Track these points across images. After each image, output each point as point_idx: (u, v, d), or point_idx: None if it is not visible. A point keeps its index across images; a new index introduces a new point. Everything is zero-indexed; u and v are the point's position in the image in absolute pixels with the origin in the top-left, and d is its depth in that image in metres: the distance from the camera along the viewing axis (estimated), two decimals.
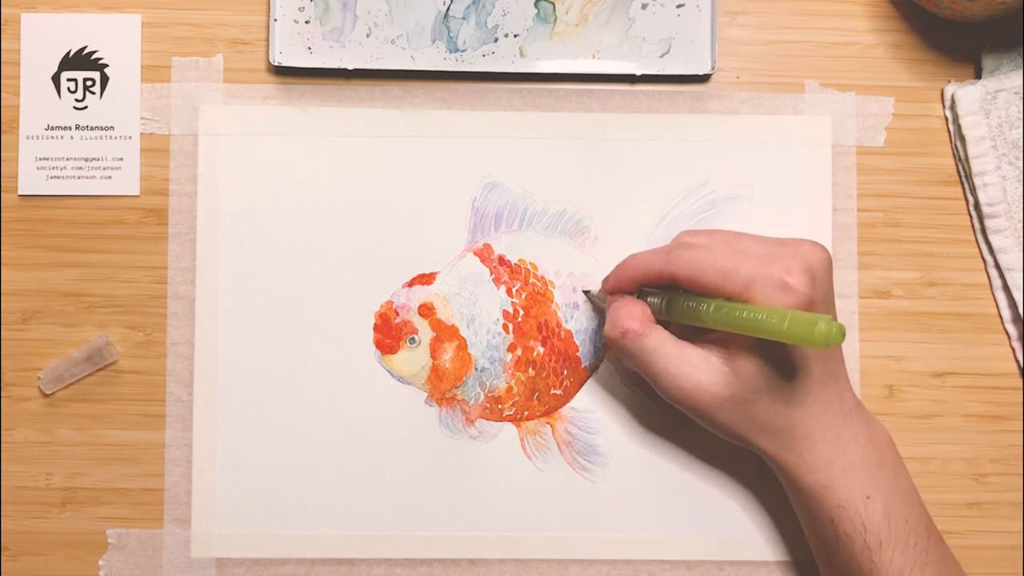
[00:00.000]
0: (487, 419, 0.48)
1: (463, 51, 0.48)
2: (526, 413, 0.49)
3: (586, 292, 0.49)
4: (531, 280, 0.49)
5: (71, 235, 0.49)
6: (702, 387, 0.42)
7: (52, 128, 0.49)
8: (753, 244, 0.42)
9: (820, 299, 0.41)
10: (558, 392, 0.49)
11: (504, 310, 0.48)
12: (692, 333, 0.44)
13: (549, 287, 0.49)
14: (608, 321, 0.44)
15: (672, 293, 0.43)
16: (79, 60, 0.49)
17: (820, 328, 0.36)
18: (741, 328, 0.39)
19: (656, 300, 0.44)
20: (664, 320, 0.44)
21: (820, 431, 0.43)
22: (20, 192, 0.49)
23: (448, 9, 0.48)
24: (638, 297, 0.45)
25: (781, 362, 0.41)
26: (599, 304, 0.48)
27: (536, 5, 0.49)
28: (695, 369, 0.42)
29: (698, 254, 0.42)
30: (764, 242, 0.42)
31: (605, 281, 0.46)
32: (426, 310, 0.48)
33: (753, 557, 0.48)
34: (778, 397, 0.42)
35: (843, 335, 0.37)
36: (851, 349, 0.49)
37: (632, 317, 0.43)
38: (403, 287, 0.48)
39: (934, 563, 0.42)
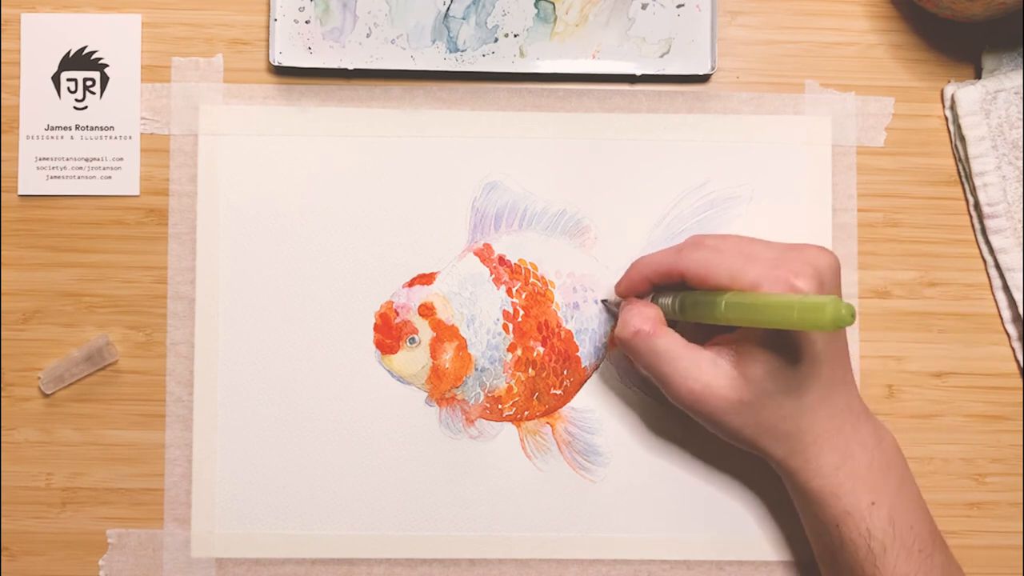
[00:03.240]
0: (487, 419, 0.48)
1: (463, 51, 0.48)
2: (526, 413, 0.49)
3: (603, 302, 0.49)
4: (531, 280, 0.49)
5: (71, 235, 0.49)
6: (711, 390, 0.42)
7: (52, 128, 0.49)
8: (763, 248, 0.42)
9: (833, 281, 0.42)
10: (558, 392, 0.49)
11: (504, 310, 0.48)
12: (702, 337, 0.44)
13: (549, 287, 0.49)
14: (620, 322, 0.44)
15: (684, 292, 0.43)
16: (79, 60, 0.49)
17: (829, 309, 0.36)
18: (753, 319, 0.39)
19: (668, 301, 0.44)
20: (676, 322, 0.44)
21: (828, 436, 0.43)
22: (20, 192, 0.49)
23: (448, 9, 0.48)
24: (651, 300, 0.45)
25: (791, 367, 0.41)
26: (614, 311, 0.48)
27: (536, 5, 0.49)
28: (704, 372, 0.42)
29: (708, 254, 0.42)
30: (773, 246, 0.43)
31: (617, 285, 0.46)
32: (426, 310, 0.48)
33: (753, 557, 0.48)
34: (786, 402, 0.42)
35: (853, 315, 0.36)
36: (851, 349, 0.49)
37: (644, 318, 0.43)
38: (403, 287, 0.48)
39: (938, 569, 0.42)
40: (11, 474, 0.48)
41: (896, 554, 0.42)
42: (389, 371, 0.48)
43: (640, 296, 0.45)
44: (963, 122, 0.48)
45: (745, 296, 0.40)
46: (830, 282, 0.42)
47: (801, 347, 0.41)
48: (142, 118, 0.49)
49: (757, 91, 0.49)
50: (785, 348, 0.41)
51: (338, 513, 0.48)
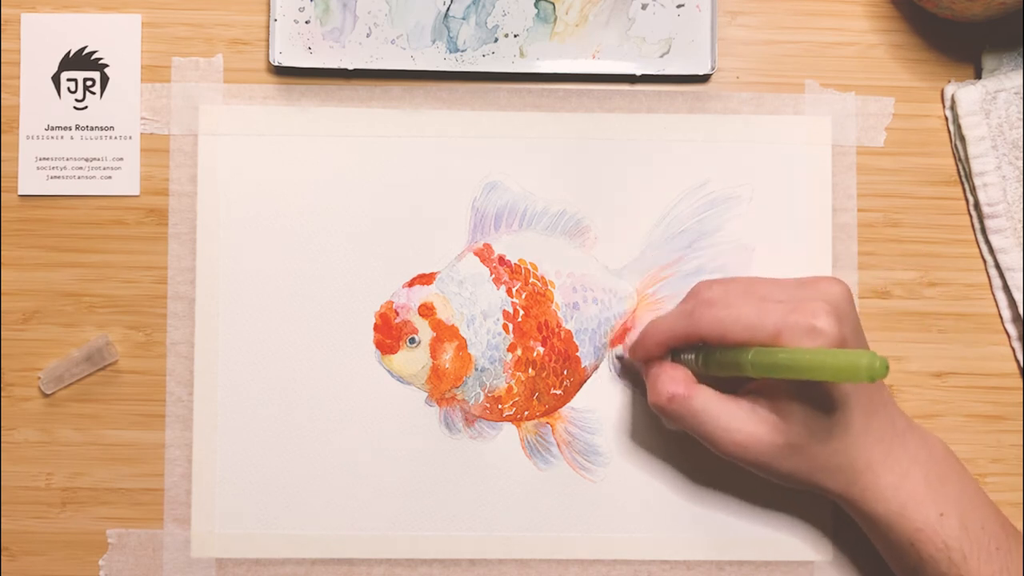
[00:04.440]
0: (487, 419, 0.48)
1: (463, 51, 0.48)
2: (526, 413, 0.49)
3: (619, 358, 0.49)
4: (531, 280, 0.49)
5: (71, 235, 0.49)
6: (756, 438, 0.42)
7: (52, 128, 0.49)
8: (772, 290, 0.42)
9: (850, 335, 0.41)
10: (558, 392, 0.49)
11: (504, 310, 0.48)
12: (730, 387, 0.44)
13: (549, 287, 0.49)
14: (650, 389, 0.44)
15: (706, 348, 0.43)
16: (79, 60, 0.49)
17: (863, 364, 0.36)
18: (784, 372, 0.39)
19: (691, 357, 0.44)
20: (701, 375, 0.44)
21: (880, 460, 0.42)
22: (20, 192, 0.49)
23: (448, 9, 0.48)
24: (672, 358, 0.45)
25: (827, 401, 0.41)
26: (635, 367, 0.48)
27: (536, 5, 0.49)
28: (746, 422, 0.42)
29: (720, 312, 0.42)
30: (782, 286, 0.42)
31: (632, 349, 0.46)
32: (426, 310, 0.48)
33: (753, 557, 0.48)
34: (832, 436, 0.42)
35: (887, 368, 0.36)
36: None
37: (675, 381, 0.43)
38: (403, 287, 0.48)
39: (1015, 562, 0.42)
40: (11, 474, 0.48)
41: (977, 558, 0.41)
42: (389, 371, 0.48)
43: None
44: (963, 122, 0.48)
45: (770, 354, 0.40)
46: (847, 312, 0.42)
47: (836, 385, 0.41)
48: (142, 118, 0.49)
49: (757, 91, 0.49)
50: (817, 384, 0.41)
51: (338, 513, 0.48)
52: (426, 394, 0.48)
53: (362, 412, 0.48)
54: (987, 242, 0.49)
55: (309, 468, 0.48)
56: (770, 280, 0.43)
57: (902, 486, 0.42)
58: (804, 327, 0.40)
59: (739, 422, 0.42)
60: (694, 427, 0.43)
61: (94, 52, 0.49)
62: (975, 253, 0.49)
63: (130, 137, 0.49)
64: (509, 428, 0.48)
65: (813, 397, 0.41)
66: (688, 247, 0.49)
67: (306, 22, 0.48)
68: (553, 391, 0.49)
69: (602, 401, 0.49)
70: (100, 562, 0.48)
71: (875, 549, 0.47)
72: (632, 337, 0.49)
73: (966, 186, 0.49)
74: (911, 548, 0.42)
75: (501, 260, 0.49)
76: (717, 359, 0.42)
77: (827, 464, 0.42)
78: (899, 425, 0.43)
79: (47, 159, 0.48)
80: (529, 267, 0.49)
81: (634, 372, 0.48)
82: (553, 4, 0.49)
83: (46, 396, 0.48)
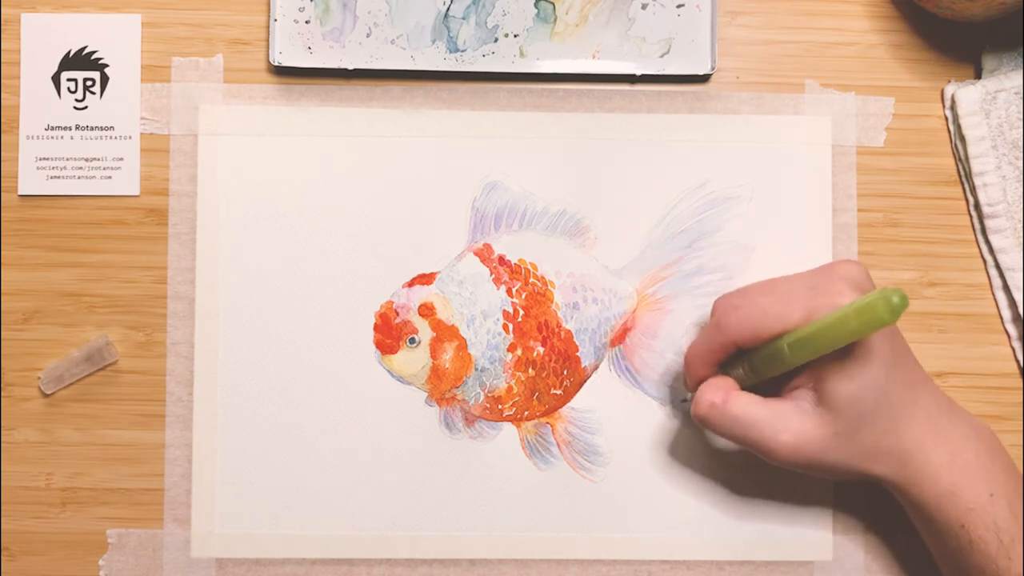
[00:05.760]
0: (487, 419, 0.48)
1: (463, 51, 0.48)
2: (526, 413, 0.49)
3: (683, 401, 0.48)
4: (531, 280, 0.49)
5: (71, 235, 0.49)
6: (803, 435, 0.42)
7: (52, 128, 0.49)
8: (792, 283, 0.42)
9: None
10: (558, 392, 0.49)
11: (504, 310, 0.48)
12: (777, 394, 0.44)
13: (549, 287, 0.49)
14: (693, 404, 0.44)
15: (748, 355, 0.43)
16: (79, 60, 0.49)
17: (880, 302, 0.36)
18: (818, 347, 0.40)
19: (739, 371, 0.44)
20: (753, 385, 0.44)
21: (930, 438, 0.42)
22: (20, 192, 0.49)
23: (448, 9, 0.48)
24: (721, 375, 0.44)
25: (869, 385, 0.41)
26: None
27: (536, 5, 0.49)
28: (791, 420, 0.42)
29: (746, 312, 0.42)
30: (800, 277, 0.43)
31: (687, 383, 0.46)
32: (426, 310, 0.48)
33: (753, 557, 0.48)
34: (879, 418, 0.41)
35: (904, 297, 0.36)
36: None
37: (714, 389, 0.43)
38: (403, 287, 0.48)
39: None
40: (11, 474, 0.48)
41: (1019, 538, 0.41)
42: (389, 371, 0.48)
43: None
44: (963, 122, 0.48)
45: (802, 331, 0.40)
46: (869, 286, 0.42)
47: (871, 359, 0.41)
48: (142, 118, 0.49)
49: (757, 91, 0.49)
50: (857, 366, 0.41)
51: (338, 513, 0.48)
52: (426, 394, 0.48)
53: (362, 412, 0.48)
54: (987, 242, 0.49)
55: (309, 468, 0.48)
56: (786, 276, 0.43)
57: (953, 464, 0.42)
58: (831, 307, 0.40)
59: (784, 421, 0.42)
60: (738, 435, 0.42)
61: (94, 52, 0.49)
62: (975, 253, 0.49)
63: (130, 137, 0.49)
64: (509, 428, 0.48)
65: (854, 382, 0.41)
66: (688, 247, 0.49)
67: (306, 22, 0.48)
68: (553, 391, 0.49)
69: (602, 401, 0.49)
70: (100, 562, 0.48)
71: (875, 549, 0.47)
72: (632, 337, 0.49)
73: (966, 186, 0.49)
74: (961, 531, 0.42)
75: (501, 260, 0.49)
76: (759, 361, 0.42)
77: (878, 448, 0.42)
78: (943, 403, 0.43)
79: (47, 159, 0.48)
80: (529, 267, 0.49)
81: (634, 371, 0.48)
82: (553, 4, 0.49)
83: (46, 396, 0.48)
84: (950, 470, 0.42)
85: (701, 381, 0.44)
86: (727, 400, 0.42)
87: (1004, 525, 0.41)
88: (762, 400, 0.42)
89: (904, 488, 0.43)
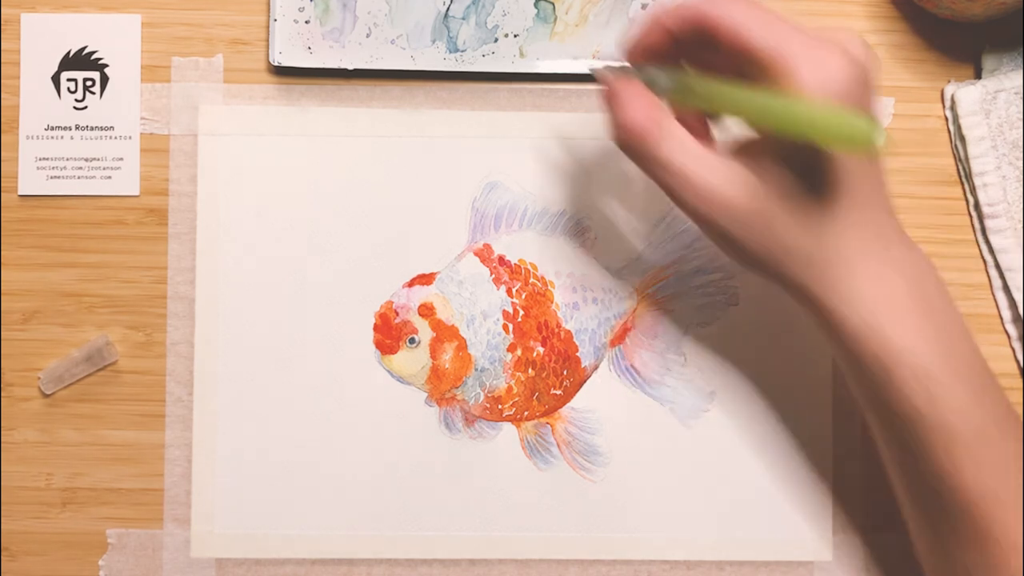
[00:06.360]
0: (487, 419, 0.48)
1: (463, 51, 0.48)
2: (526, 413, 0.49)
3: (593, 70, 0.41)
4: (531, 280, 0.49)
5: (71, 235, 0.49)
6: (728, 200, 0.37)
7: (52, 128, 0.49)
8: (798, 26, 0.37)
9: (873, 73, 0.37)
10: (558, 392, 0.49)
11: (504, 310, 0.48)
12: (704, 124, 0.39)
13: (549, 287, 0.49)
14: (614, 118, 0.38)
15: (682, 74, 0.38)
16: (79, 60, 0.49)
17: (861, 125, 0.32)
18: (780, 120, 0.35)
19: (665, 79, 0.38)
20: (671, 104, 0.39)
21: (858, 258, 0.37)
22: (20, 192, 0.49)
23: (448, 9, 0.48)
24: (643, 79, 0.39)
25: (817, 173, 0.37)
26: (609, 78, 0.40)
27: (536, 5, 0.49)
28: (721, 181, 0.37)
29: (747, 9, 0.36)
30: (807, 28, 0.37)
31: (625, 42, 0.40)
32: (426, 310, 0.48)
33: (753, 557, 0.48)
34: (807, 214, 0.37)
35: (881, 133, 0.32)
36: None
37: (645, 113, 0.37)
38: (403, 287, 0.48)
39: (1002, 406, 0.38)
40: (11, 474, 0.48)
41: (963, 396, 0.36)
42: (389, 371, 0.48)
43: (644, 62, 0.39)
44: (963, 122, 0.48)
45: (772, 97, 0.35)
46: (871, 84, 0.37)
47: (831, 157, 0.36)
48: (142, 118, 0.49)
49: None
50: (809, 156, 0.36)
51: (338, 513, 0.48)
52: (426, 394, 0.48)
53: (362, 412, 0.48)
54: (987, 242, 0.49)
55: (309, 468, 0.48)
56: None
57: (879, 292, 0.37)
58: (837, 46, 0.35)
59: (714, 181, 0.37)
60: (658, 176, 0.38)
61: (94, 52, 0.49)
62: (975, 253, 0.49)
63: (130, 137, 0.49)
64: (509, 428, 0.48)
65: (802, 165, 0.37)
66: (688, 247, 0.49)
67: (306, 22, 0.48)
68: (553, 391, 0.49)
69: (602, 401, 0.49)
70: (100, 562, 0.48)
71: (875, 549, 0.47)
72: (632, 337, 0.49)
73: (966, 186, 0.49)
74: (883, 374, 0.37)
75: (501, 260, 0.49)
76: (701, 88, 0.37)
77: (793, 246, 0.37)
78: (886, 229, 0.38)
79: (47, 159, 0.48)
80: (529, 267, 0.49)
81: (633, 370, 0.48)
82: (553, 4, 0.49)
83: (46, 396, 0.48)
84: (874, 298, 0.37)
85: (644, 47, 0.39)
86: (660, 138, 0.37)
87: (937, 374, 0.36)
88: (697, 147, 0.38)
89: (815, 301, 0.38)
